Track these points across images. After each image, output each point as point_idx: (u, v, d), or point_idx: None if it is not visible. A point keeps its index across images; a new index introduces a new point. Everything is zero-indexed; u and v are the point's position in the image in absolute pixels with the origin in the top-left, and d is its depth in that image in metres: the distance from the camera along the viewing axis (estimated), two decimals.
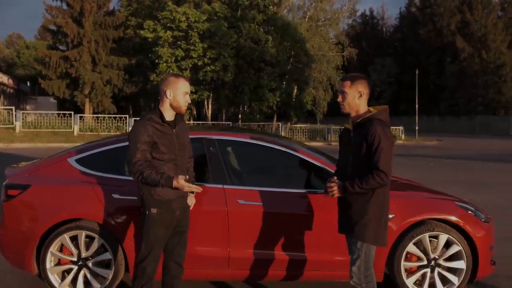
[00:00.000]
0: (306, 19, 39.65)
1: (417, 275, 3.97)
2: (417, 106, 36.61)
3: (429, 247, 3.95)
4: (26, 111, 29.65)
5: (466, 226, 3.94)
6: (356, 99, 3.21)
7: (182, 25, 27.22)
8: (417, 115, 36.35)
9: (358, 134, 3.18)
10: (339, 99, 3.26)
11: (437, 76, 50.45)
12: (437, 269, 3.97)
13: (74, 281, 3.89)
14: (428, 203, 4.11)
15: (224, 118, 33.72)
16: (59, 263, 3.93)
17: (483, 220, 4.09)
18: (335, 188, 3.20)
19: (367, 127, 3.12)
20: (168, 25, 27.59)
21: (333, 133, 30.93)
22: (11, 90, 42.22)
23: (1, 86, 38.43)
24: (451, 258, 3.97)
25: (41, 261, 3.86)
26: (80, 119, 26.65)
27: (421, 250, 3.97)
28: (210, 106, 33.12)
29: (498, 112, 48.48)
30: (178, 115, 3.39)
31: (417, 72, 36.67)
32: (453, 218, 3.96)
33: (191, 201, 3.56)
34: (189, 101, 3.37)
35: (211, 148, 4.05)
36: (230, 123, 31.13)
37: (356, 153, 3.16)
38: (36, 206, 3.92)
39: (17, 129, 24.68)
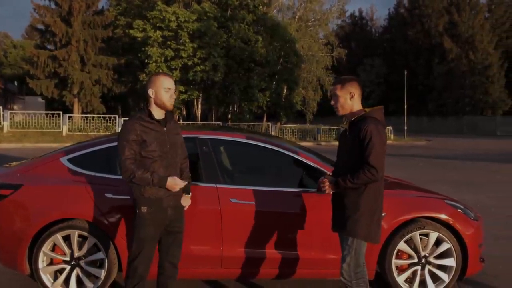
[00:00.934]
0: (296, 20, 39.67)
1: (408, 272, 4.03)
2: (405, 106, 36.85)
3: (419, 245, 4.01)
4: (13, 111, 29.31)
5: (456, 224, 4.00)
6: (348, 100, 3.27)
7: (171, 24, 27.10)
8: (405, 115, 36.59)
9: (352, 132, 3.24)
10: (332, 103, 3.34)
11: (426, 76, 50.78)
12: (427, 267, 4.03)
13: (66, 281, 3.88)
14: (419, 201, 4.16)
15: (214, 118, 33.67)
16: (51, 263, 3.91)
17: (472, 218, 4.15)
18: (327, 184, 3.25)
19: (360, 124, 3.18)
20: (157, 24, 27.44)
21: (323, 133, 31.05)
22: None
23: None
24: (441, 256, 4.03)
25: (33, 261, 3.84)
26: (69, 119, 26.45)
27: (411, 248, 4.02)
28: (200, 106, 33.05)
29: (485, 113, 48.91)
30: (169, 114, 3.39)
31: (405, 72, 36.88)
32: (443, 216, 4.02)
33: (186, 202, 3.55)
34: (174, 97, 3.35)
35: (204, 147, 4.06)
36: (220, 123, 31.08)
37: (351, 150, 3.21)
38: (28, 205, 3.90)
39: (4, 129, 24.41)
